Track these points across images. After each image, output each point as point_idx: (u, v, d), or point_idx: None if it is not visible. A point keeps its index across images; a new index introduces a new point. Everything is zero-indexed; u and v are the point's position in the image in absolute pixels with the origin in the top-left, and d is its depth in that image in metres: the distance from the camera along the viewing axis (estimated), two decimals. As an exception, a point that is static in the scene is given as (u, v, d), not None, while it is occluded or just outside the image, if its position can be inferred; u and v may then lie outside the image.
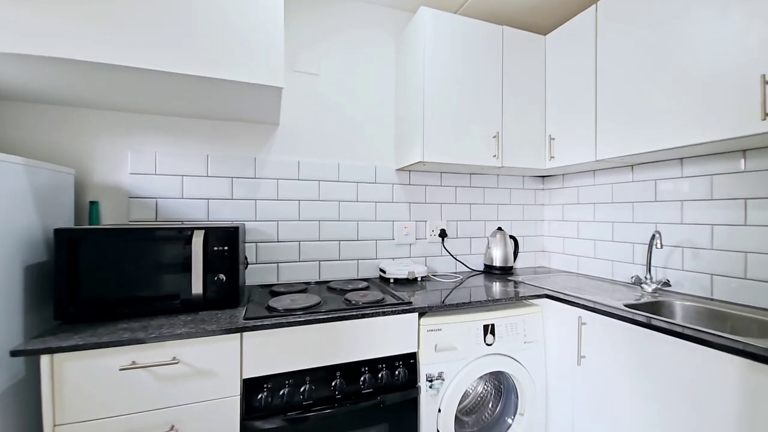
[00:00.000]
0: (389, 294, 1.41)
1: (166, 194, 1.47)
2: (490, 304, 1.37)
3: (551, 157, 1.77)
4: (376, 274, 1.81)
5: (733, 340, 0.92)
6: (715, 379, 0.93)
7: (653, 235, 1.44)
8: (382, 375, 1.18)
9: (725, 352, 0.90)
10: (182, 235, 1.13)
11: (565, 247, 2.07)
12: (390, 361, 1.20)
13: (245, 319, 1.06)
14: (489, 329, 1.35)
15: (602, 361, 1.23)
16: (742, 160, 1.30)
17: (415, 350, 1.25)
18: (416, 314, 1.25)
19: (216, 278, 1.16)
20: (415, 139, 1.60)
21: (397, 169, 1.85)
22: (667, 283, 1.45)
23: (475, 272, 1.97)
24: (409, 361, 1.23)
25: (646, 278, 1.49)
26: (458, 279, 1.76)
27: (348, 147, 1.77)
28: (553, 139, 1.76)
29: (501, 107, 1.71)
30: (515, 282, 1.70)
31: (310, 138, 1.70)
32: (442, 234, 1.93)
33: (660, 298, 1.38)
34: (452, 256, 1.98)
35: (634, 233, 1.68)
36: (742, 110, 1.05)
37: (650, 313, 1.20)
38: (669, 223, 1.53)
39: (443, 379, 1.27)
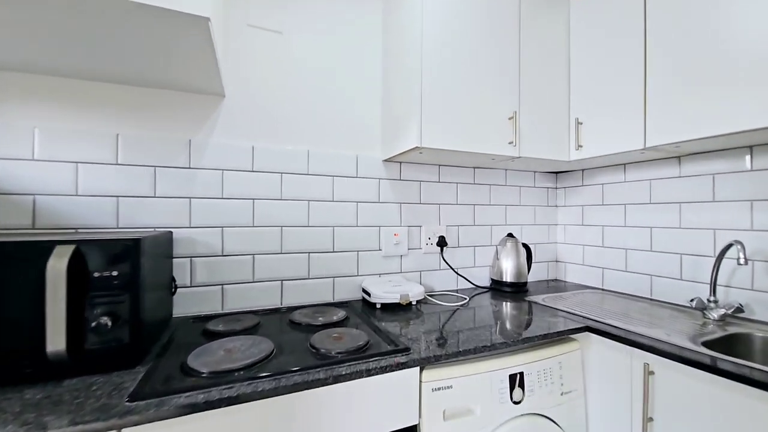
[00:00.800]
0: (376, 331, 0.99)
1: (50, 189, 1.00)
2: (521, 344, 0.98)
3: (579, 146, 1.41)
4: (358, 295, 1.39)
5: None
6: None
7: (728, 246, 1.09)
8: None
9: None
10: (36, 254, 0.68)
11: (586, 257, 1.72)
12: (382, 444, 0.79)
13: (131, 399, 0.62)
14: (517, 380, 0.96)
15: (680, 429, 0.86)
16: None
17: (415, 421, 0.84)
18: (417, 368, 0.84)
19: (96, 323, 0.71)
20: (410, 120, 1.20)
21: (385, 160, 1.44)
22: (739, 309, 1.10)
23: (481, 289, 1.58)
24: (409, 438, 0.82)
25: (710, 301, 1.15)
26: (464, 301, 1.36)
27: (321, 130, 1.35)
28: (581, 123, 1.40)
29: (518, 80, 1.34)
30: (537, 304, 1.33)
31: (270, 116, 1.27)
32: (441, 242, 1.54)
33: (735, 330, 1.04)
34: (453, 270, 1.59)
35: (681, 242, 1.34)
36: None
37: (727, 353, 0.85)
38: (732, 229, 1.19)
39: (458, 461, 0.87)
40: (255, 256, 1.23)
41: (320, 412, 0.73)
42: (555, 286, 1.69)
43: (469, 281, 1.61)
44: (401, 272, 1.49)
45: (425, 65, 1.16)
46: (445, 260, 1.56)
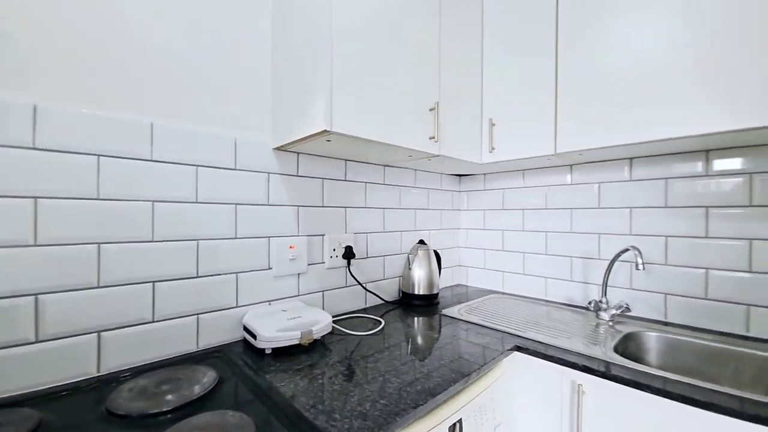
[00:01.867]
0: (269, 407, 0.65)
1: None
2: (461, 386, 0.79)
3: (492, 149, 1.35)
4: (237, 334, 1.00)
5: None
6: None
7: (624, 250, 1.15)
8: None
9: None
10: None
11: (487, 261, 1.72)
12: None
13: None
14: (456, 430, 0.77)
15: (612, 450, 0.82)
16: (701, 162, 1.13)
17: None
18: (340, 466, 0.55)
19: None
20: (316, 96, 0.88)
21: (278, 148, 1.08)
22: (627, 309, 1.19)
23: (391, 305, 1.38)
24: None
25: (601, 303, 1.21)
26: (379, 327, 1.12)
27: (177, 92, 0.90)
28: (494, 124, 1.34)
29: (439, 69, 1.18)
30: (456, 320, 1.20)
31: (72, 55, 0.76)
32: (348, 254, 1.26)
33: (626, 329, 1.10)
34: (363, 287, 1.33)
35: (572, 245, 1.42)
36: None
37: (627, 353, 0.86)
38: (614, 234, 1.31)
39: None
40: (39, 296, 0.71)
41: None
42: (460, 292, 1.62)
43: (379, 297, 1.39)
44: (299, 295, 1.15)
45: (337, 27, 0.86)
46: (353, 275, 1.29)
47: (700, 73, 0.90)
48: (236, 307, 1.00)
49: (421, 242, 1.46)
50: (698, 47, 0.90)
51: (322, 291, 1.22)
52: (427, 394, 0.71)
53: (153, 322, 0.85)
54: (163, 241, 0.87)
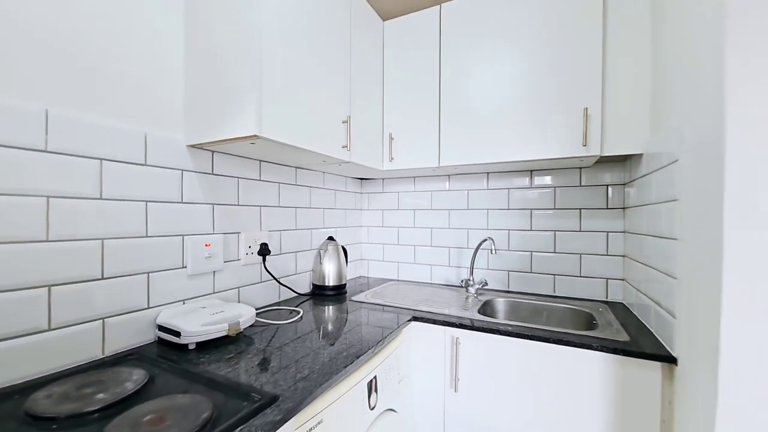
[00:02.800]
0: (212, 386, 0.71)
1: None
2: (378, 347, 0.98)
3: (391, 158, 1.60)
4: (149, 336, 0.96)
5: (591, 337, 1.03)
6: (580, 373, 1.01)
7: (483, 240, 1.55)
8: None
9: (592, 350, 0.98)
10: None
11: (385, 254, 1.99)
12: None
13: None
14: (372, 386, 0.96)
15: (479, 380, 1.15)
16: (527, 178, 1.62)
17: (287, 485, 0.66)
18: (291, 422, 0.66)
19: None
20: (247, 103, 0.94)
21: (192, 146, 1.07)
22: (485, 283, 1.61)
23: (304, 297, 1.49)
24: None
25: (469, 281, 1.60)
26: (298, 315, 1.23)
27: (79, 77, 0.82)
28: (393, 138, 1.60)
29: (350, 88, 1.36)
30: (365, 303, 1.40)
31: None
32: (263, 250, 1.32)
33: (485, 298, 1.51)
34: (278, 281, 1.40)
35: (449, 238, 1.80)
36: (565, 136, 1.26)
37: (484, 314, 1.24)
38: (477, 228, 1.73)
39: (329, 506, 0.76)
40: None
41: None
42: (363, 282, 1.84)
43: (293, 290, 1.48)
44: (214, 293, 1.15)
45: (267, 32, 0.94)
46: (268, 271, 1.35)
47: (524, 119, 1.33)
48: (148, 308, 0.96)
49: (330, 239, 1.61)
50: (523, 101, 1.33)
51: (238, 287, 1.24)
52: (353, 357, 0.88)
53: (49, 330, 0.77)
54: (62, 240, 0.79)
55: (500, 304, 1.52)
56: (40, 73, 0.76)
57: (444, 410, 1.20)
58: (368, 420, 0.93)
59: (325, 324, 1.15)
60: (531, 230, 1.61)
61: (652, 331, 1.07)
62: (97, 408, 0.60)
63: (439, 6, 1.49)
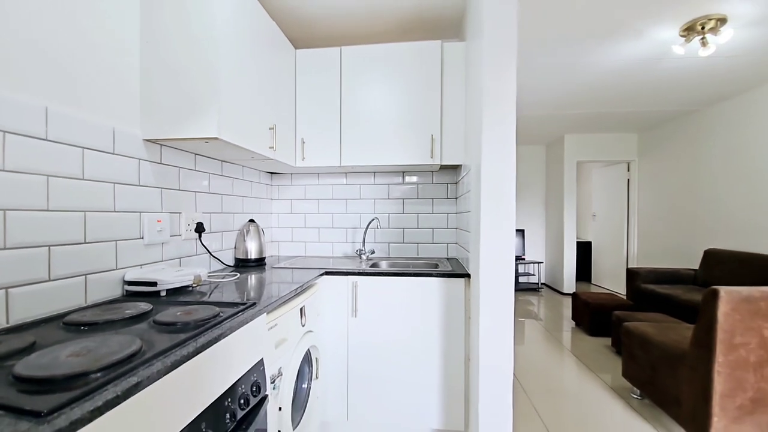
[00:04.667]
0: (204, 304, 1.07)
1: None
2: (305, 286, 1.46)
3: (303, 157, 2.05)
4: (117, 292, 1.20)
5: (434, 272, 1.75)
6: (426, 290, 1.71)
7: (372, 220, 2.16)
8: (242, 401, 0.94)
9: (432, 277, 1.69)
10: None
11: (294, 235, 2.41)
12: (246, 380, 0.98)
13: None
14: (303, 311, 1.43)
15: (370, 308, 1.74)
16: (401, 177, 2.32)
17: (262, 356, 1.09)
18: (265, 315, 1.10)
19: None
20: (208, 107, 1.27)
21: (148, 140, 1.32)
22: (373, 252, 2.23)
23: (231, 267, 1.81)
24: (260, 368, 1.06)
25: (362, 251, 2.20)
26: (236, 275, 1.58)
27: (68, 80, 1.03)
28: (305, 142, 2.05)
29: (276, 100, 1.76)
30: (288, 267, 1.82)
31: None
32: (199, 228, 1.60)
33: (374, 261, 2.13)
34: (211, 254, 1.69)
35: (346, 221, 2.36)
36: (422, 150, 1.96)
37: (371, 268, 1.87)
38: (367, 213, 2.34)
39: (282, 374, 1.21)
40: (-43, 254, 0.78)
41: (208, 368, 0.84)
42: (276, 258, 2.23)
43: (222, 262, 1.78)
44: (162, 260, 1.41)
45: (224, 45, 1.28)
46: (204, 245, 1.64)
47: (399, 137, 1.99)
48: (116, 269, 1.19)
49: (252, 221, 1.96)
50: (398, 125, 1.99)
51: (180, 257, 1.51)
52: (292, 291, 1.33)
53: (49, 281, 0.98)
54: (58, 210, 1.00)
55: (383, 263, 2.16)
56: (41, 77, 0.97)
57: (347, 330, 1.75)
58: (301, 332, 1.40)
59: (262, 278, 1.55)
60: (403, 213, 2.31)
61: (462, 264, 1.86)
62: (130, 315, 0.92)
63: (339, 48, 2.02)
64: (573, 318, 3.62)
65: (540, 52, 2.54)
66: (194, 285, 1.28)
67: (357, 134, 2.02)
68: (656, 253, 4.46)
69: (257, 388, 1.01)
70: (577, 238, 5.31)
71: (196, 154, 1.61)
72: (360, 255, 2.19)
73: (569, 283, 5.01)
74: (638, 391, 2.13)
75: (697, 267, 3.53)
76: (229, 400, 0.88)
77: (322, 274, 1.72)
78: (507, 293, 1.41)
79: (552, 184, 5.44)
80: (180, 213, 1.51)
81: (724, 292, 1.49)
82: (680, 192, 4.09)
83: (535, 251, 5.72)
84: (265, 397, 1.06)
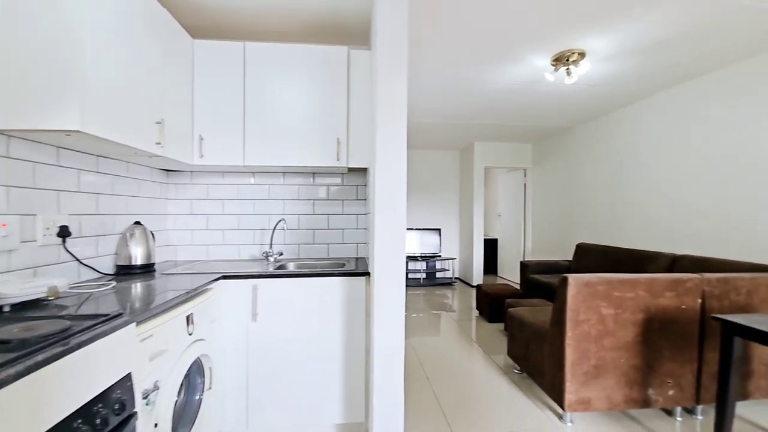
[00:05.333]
0: (57, 318, 0.95)
1: None
2: (195, 292, 1.38)
3: (202, 155, 1.92)
4: (-64, 311, 0.99)
5: (338, 271, 1.80)
6: (329, 290, 1.75)
7: (279, 221, 2.12)
8: (100, 421, 0.87)
9: (334, 276, 1.74)
10: None
11: (194, 238, 2.25)
12: (106, 398, 0.90)
13: None
14: (190, 319, 1.36)
15: (271, 311, 1.72)
16: (311, 178, 2.33)
17: (130, 370, 1.01)
18: (134, 326, 1.01)
19: None
20: (67, 92, 1.12)
21: (-16, 129, 1.12)
22: (281, 253, 2.19)
23: (109, 276, 1.62)
24: (126, 384, 0.98)
25: (270, 253, 2.15)
26: (110, 285, 1.42)
27: None
28: (203, 139, 1.93)
29: (165, 92, 1.62)
30: (177, 274, 1.69)
31: None
32: (63, 233, 1.40)
33: (282, 263, 2.10)
34: (80, 261, 1.49)
35: (255, 222, 2.28)
36: (329, 153, 2.00)
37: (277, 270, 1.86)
38: (276, 214, 2.30)
39: (158, 388, 1.13)
40: None
41: (58, 383, 0.76)
42: (173, 263, 2.05)
43: (96, 270, 1.58)
44: (10, 271, 1.20)
45: (86, 24, 1.15)
46: (69, 252, 1.43)
47: (307, 139, 2.00)
48: (-67, 284, 0.99)
49: (137, 223, 1.78)
50: (307, 128, 2.00)
51: (35, 267, 1.30)
52: (174, 298, 1.25)
53: None
54: None
55: (291, 264, 2.15)
56: None
57: (247, 335, 1.70)
58: (187, 342, 1.33)
59: (145, 286, 1.42)
60: (314, 214, 2.32)
61: (368, 263, 1.95)
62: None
63: (243, 43, 1.95)
64: (477, 308, 4.03)
65: (447, 67, 2.78)
66: (50, 297, 1.12)
67: (262, 134, 1.97)
68: (545, 247, 5.20)
69: (121, 405, 0.93)
70: (485, 235, 5.91)
71: (58, 147, 1.40)
72: (267, 257, 2.14)
73: (478, 277, 5.54)
74: (518, 366, 2.48)
75: (572, 258, 4.21)
76: (80, 421, 0.80)
77: (218, 279, 1.64)
78: (399, 289, 1.53)
79: (465, 187, 5.96)
80: (35, 215, 1.30)
81: (572, 278, 1.83)
82: (561, 195, 4.83)
83: (451, 248, 6.20)
84: (132, 415, 0.98)
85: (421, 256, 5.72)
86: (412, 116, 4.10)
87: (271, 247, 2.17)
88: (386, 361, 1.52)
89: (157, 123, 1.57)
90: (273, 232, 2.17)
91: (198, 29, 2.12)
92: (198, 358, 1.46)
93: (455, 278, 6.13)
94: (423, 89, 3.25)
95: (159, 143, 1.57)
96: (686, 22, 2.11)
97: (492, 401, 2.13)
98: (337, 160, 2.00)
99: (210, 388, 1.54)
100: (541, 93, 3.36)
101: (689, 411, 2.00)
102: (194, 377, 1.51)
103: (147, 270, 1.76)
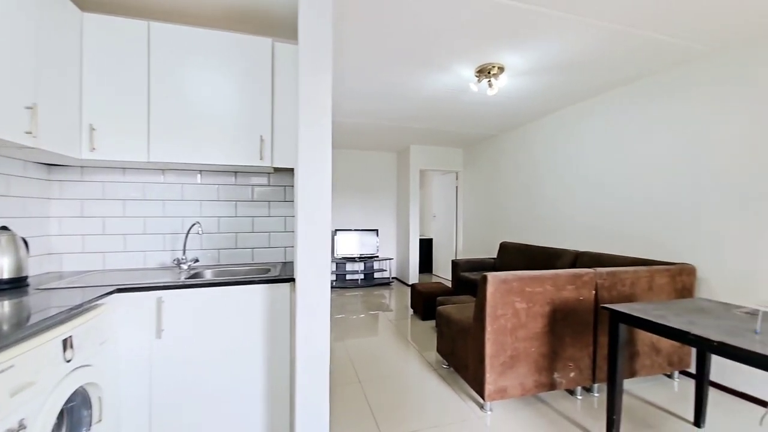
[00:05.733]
0: None
1: None
2: (78, 311, 1.16)
3: (93, 148, 1.65)
4: None
5: (254, 278, 1.68)
6: (250, 299, 1.63)
7: (193, 225, 1.92)
8: None
9: (255, 284, 1.63)
10: None
11: (86, 245, 1.93)
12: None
13: None
14: (68, 343, 1.14)
15: (180, 326, 1.54)
16: (234, 177, 2.16)
17: (-28, 414, 0.81)
18: (-24, 357, 0.81)
19: None
20: None
21: None
22: (197, 260, 1.99)
23: (-42, 296, 1.30)
24: (-34, 433, 0.78)
25: (183, 260, 1.94)
26: (-45, 307, 1.13)
27: None
28: (95, 129, 1.66)
29: (40, 71, 1.35)
30: (56, 288, 1.42)
31: None
32: None
33: (197, 271, 1.90)
34: None
35: (164, 225, 2.04)
36: (251, 151, 1.86)
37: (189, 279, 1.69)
38: (191, 216, 2.08)
39: (25, 427, 0.93)
40: None
41: None
42: (56, 276, 1.73)
43: (-64, 289, 1.25)
44: None
45: None
46: None
47: (227, 135, 1.83)
48: None
49: (4, 228, 1.46)
50: (226, 121, 1.83)
51: None
52: (46, 321, 1.04)
53: None
54: None
55: (208, 273, 1.96)
56: None
57: (150, 355, 1.50)
58: (64, 370, 1.12)
59: (9, 306, 1.16)
60: (236, 216, 2.15)
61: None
62: None
63: (147, 22, 1.72)
64: (411, 306, 4.14)
65: (379, 71, 2.78)
66: None
67: (172, 127, 1.76)
68: (475, 246, 5.55)
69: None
70: (421, 235, 6.11)
71: None
72: (179, 265, 1.92)
73: (414, 276, 5.71)
74: (446, 362, 2.59)
75: (496, 256, 4.56)
76: None
77: (111, 293, 1.42)
78: (323, 294, 1.48)
79: (402, 188, 6.10)
80: None
81: (490, 277, 1.96)
82: (487, 197, 5.20)
83: (388, 248, 6.30)
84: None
85: (359, 257, 5.71)
86: (347, 116, 4.07)
87: (184, 254, 1.95)
88: (310, 370, 1.46)
89: (28, 108, 1.30)
90: (186, 236, 1.96)
91: (89, 1, 1.82)
92: (82, 387, 1.24)
93: (392, 278, 6.23)
94: (355, 91, 3.23)
95: (30, 132, 1.30)
96: (582, 50, 2.40)
97: (421, 398, 2.19)
98: (261, 159, 1.87)
99: (100, 420, 1.33)
100: (468, 102, 3.57)
101: (588, 389, 2.28)
102: (78, 410, 1.29)
103: (17, 285, 1.45)
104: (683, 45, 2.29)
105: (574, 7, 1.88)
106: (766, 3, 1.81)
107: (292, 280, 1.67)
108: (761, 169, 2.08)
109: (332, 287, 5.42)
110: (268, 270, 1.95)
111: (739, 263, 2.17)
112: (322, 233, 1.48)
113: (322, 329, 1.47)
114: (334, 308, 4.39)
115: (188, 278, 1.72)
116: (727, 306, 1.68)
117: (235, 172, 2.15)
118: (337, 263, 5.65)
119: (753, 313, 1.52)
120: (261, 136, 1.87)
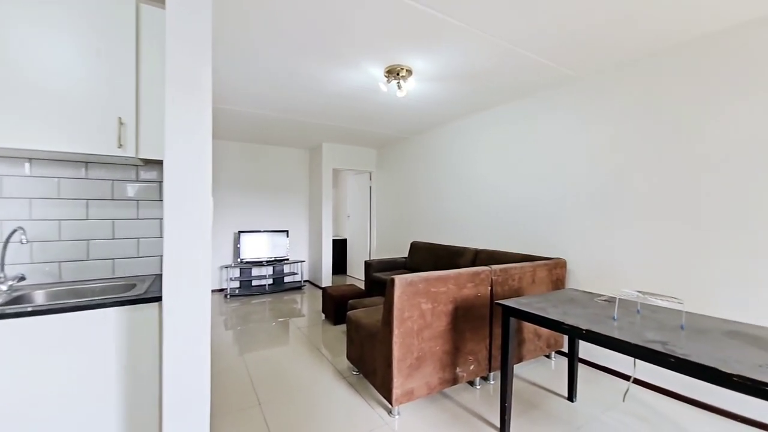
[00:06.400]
0: None
1: None
2: None
3: None
4: None
5: (104, 301, 1.32)
6: (99, 326, 1.27)
7: (13, 231, 1.42)
8: None
9: (107, 308, 1.27)
10: None
11: None
12: None
13: None
14: None
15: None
16: (84, 169, 1.68)
17: None
18: None
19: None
20: None
21: None
22: (22, 278, 1.48)
23: None
24: None
25: (2, 278, 1.42)
26: None
27: None
28: None
29: None
30: None
31: None
32: None
33: (23, 292, 1.42)
34: None
35: (-32, 233, 1.47)
36: (106, 135, 1.46)
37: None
38: (16, 219, 1.55)
39: None
40: None
41: None
42: None
43: None
44: None
45: None
46: None
47: (65, 104, 1.40)
48: None
49: None
50: (62, 84, 1.40)
51: None
52: None
53: None
54: None
55: (39, 295, 1.48)
56: None
57: None
58: None
59: None
60: (87, 219, 1.69)
61: (170, 285, 1.53)
62: None
63: None
64: (323, 311, 3.96)
65: (289, 56, 2.53)
66: None
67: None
68: (388, 246, 5.64)
69: None
70: (335, 235, 5.95)
71: None
72: (-9, 286, 1.40)
73: (327, 278, 5.52)
74: (356, 368, 2.50)
75: (407, 255, 4.68)
76: None
77: None
78: (200, 317, 1.22)
79: (314, 187, 5.84)
80: None
81: (397, 279, 1.93)
82: (399, 198, 5.33)
83: (300, 251, 5.97)
84: None
85: (267, 261, 5.27)
86: (250, 107, 3.68)
87: (2, 270, 1.44)
88: (182, 417, 1.19)
89: None
90: (5, 246, 1.44)
91: None
92: None
93: (305, 281, 5.93)
94: (257, 76, 2.91)
95: None
96: (482, 62, 2.57)
97: (329, 411, 2.05)
98: (119, 147, 1.49)
99: None
100: (380, 103, 3.55)
101: (485, 379, 2.44)
102: None
103: None
104: (557, 69, 2.63)
105: (472, 18, 1.97)
106: (614, 39, 2.16)
107: (159, 299, 1.35)
108: (606, 177, 2.52)
109: (234, 296, 4.89)
110: (134, 286, 1.57)
111: (595, 255, 2.59)
112: (199, 237, 1.22)
113: (199, 359, 1.22)
114: (236, 319, 3.94)
115: (5, 303, 1.26)
116: (590, 295, 1.95)
117: (86, 163, 1.69)
118: (241, 269, 5.13)
119: (611, 301, 1.79)
120: (120, 118, 1.48)
